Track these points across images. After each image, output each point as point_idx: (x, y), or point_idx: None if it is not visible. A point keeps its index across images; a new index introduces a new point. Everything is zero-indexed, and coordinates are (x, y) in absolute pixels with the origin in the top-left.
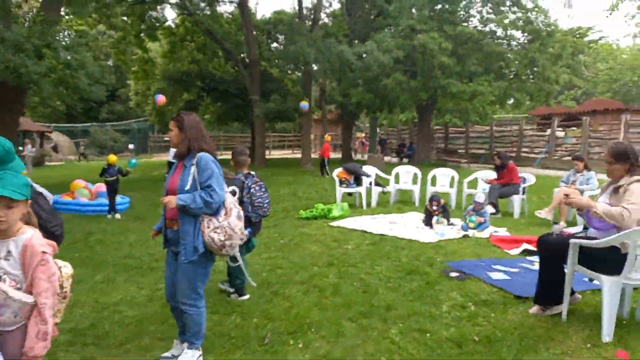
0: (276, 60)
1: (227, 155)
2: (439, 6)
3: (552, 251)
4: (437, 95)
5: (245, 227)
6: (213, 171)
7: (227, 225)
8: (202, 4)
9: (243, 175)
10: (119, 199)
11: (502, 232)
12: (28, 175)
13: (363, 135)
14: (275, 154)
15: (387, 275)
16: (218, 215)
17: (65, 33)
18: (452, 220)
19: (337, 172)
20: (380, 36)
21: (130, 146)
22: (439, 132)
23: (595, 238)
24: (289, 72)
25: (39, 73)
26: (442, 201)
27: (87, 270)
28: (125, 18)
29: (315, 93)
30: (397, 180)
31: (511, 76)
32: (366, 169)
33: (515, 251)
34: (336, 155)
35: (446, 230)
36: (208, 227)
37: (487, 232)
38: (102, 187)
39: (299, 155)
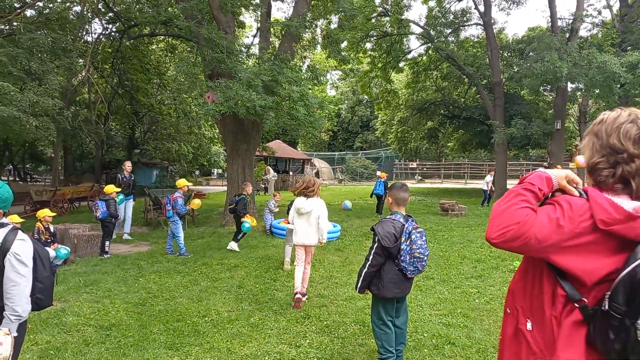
0: (523, 80)
1: (472, 185)
2: None
3: None
4: None
5: (397, 284)
6: None
7: None
8: (447, 31)
9: (402, 216)
10: (330, 226)
11: None
12: (279, 198)
13: None
14: None
15: None
16: None
17: (294, 67)
18: None
19: None
20: None
21: (378, 173)
22: None
23: None
24: (543, 92)
25: (262, 106)
26: None
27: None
28: (372, 53)
29: (575, 114)
30: None
31: None
32: None
33: None
34: None
35: None
36: None
37: None
38: None
39: None
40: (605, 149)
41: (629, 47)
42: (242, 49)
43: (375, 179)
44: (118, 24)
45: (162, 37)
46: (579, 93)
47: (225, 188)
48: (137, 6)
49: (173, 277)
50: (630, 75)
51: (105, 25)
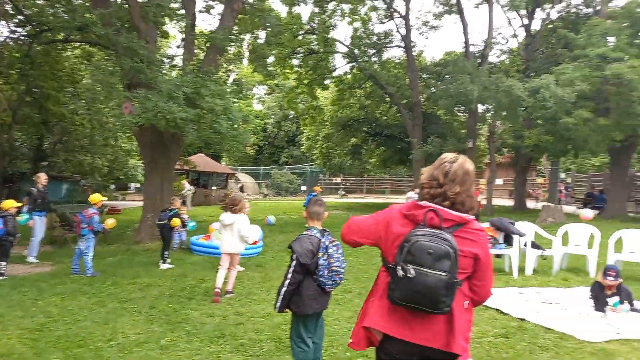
0: (439, 101)
1: (393, 199)
2: None
3: None
4: (638, 135)
5: (316, 299)
6: None
7: None
8: (371, 51)
9: (319, 231)
10: (258, 232)
11: None
12: (186, 212)
13: (562, 183)
14: None
15: None
16: None
17: (216, 80)
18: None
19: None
20: (559, 68)
21: (303, 188)
22: None
23: None
24: (457, 113)
25: (183, 119)
26: (619, 280)
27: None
28: (298, 69)
29: (485, 134)
30: (565, 242)
31: None
32: (520, 226)
33: None
34: (508, 202)
35: (626, 323)
36: None
37: None
38: None
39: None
40: (431, 177)
41: (532, 74)
42: (164, 59)
43: (301, 193)
44: (28, 27)
45: (78, 43)
46: (489, 114)
47: (142, 203)
48: (51, 10)
49: (77, 298)
50: (532, 99)
51: (13, 29)
